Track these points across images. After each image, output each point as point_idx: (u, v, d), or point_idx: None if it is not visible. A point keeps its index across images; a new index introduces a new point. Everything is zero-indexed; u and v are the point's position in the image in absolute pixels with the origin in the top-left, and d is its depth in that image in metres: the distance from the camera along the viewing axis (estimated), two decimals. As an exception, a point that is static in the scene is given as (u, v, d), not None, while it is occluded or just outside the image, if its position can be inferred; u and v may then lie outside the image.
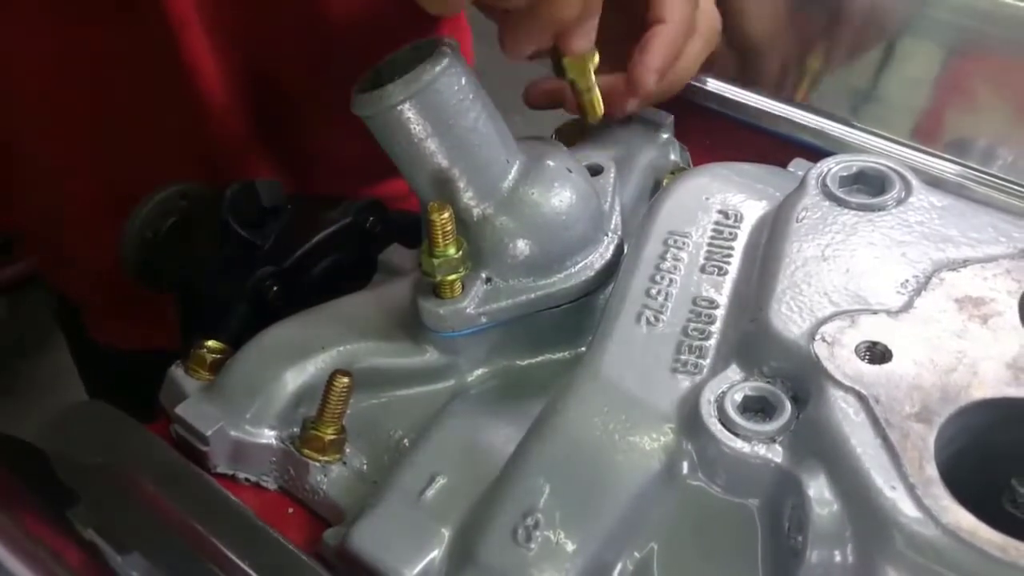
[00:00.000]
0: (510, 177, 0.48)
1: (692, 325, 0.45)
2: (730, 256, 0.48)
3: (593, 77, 0.56)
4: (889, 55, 0.71)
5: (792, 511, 0.37)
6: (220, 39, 0.69)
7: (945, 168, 0.63)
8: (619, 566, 0.40)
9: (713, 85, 0.72)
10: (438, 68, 0.45)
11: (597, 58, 0.55)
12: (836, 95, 0.71)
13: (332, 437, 0.47)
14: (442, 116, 0.46)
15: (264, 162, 0.76)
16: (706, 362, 0.43)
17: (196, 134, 0.72)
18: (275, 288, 0.58)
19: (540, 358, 0.51)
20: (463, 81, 0.46)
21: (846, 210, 0.46)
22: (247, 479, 0.49)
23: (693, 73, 0.63)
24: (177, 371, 0.52)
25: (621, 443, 0.41)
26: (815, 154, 0.57)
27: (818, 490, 0.36)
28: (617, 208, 0.53)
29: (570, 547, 0.39)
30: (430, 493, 0.43)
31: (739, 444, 0.38)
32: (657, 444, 0.40)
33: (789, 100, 0.69)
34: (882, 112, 0.69)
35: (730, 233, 0.49)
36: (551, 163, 0.49)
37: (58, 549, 0.40)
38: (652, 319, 0.45)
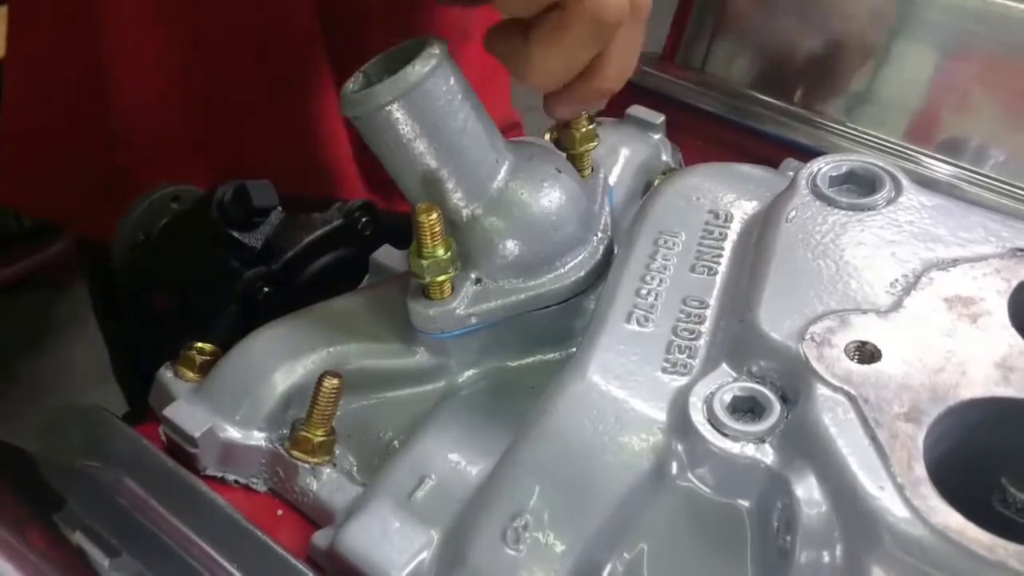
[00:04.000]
0: (499, 177, 0.48)
1: (682, 325, 0.45)
2: (720, 256, 0.48)
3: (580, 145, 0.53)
4: (884, 55, 0.71)
5: (781, 511, 0.37)
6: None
7: (937, 168, 0.63)
8: (609, 567, 0.40)
9: (705, 85, 0.72)
10: (426, 68, 0.45)
11: (595, 144, 0.53)
12: (830, 95, 0.71)
13: (322, 439, 0.47)
14: (431, 117, 0.46)
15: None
16: (695, 362, 0.43)
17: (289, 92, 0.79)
18: (265, 289, 0.58)
19: (530, 359, 0.51)
20: (452, 81, 0.46)
21: (836, 210, 0.46)
22: (236, 481, 0.48)
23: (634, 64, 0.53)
24: (166, 373, 0.51)
25: (610, 444, 0.41)
26: (806, 154, 0.57)
27: (807, 491, 0.36)
28: (607, 209, 0.53)
29: (559, 548, 0.39)
30: (420, 495, 0.43)
31: (728, 445, 0.38)
32: (646, 444, 0.40)
33: (781, 100, 0.69)
34: (876, 112, 0.69)
35: (720, 233, 0.49)
36: (540, 163, 0.49)
37: (45, 553, 0.39)
38: (642, 319, 0.45)
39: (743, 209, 0.50)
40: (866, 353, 0.39)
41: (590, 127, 0.52)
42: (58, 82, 0.82)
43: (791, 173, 0.50)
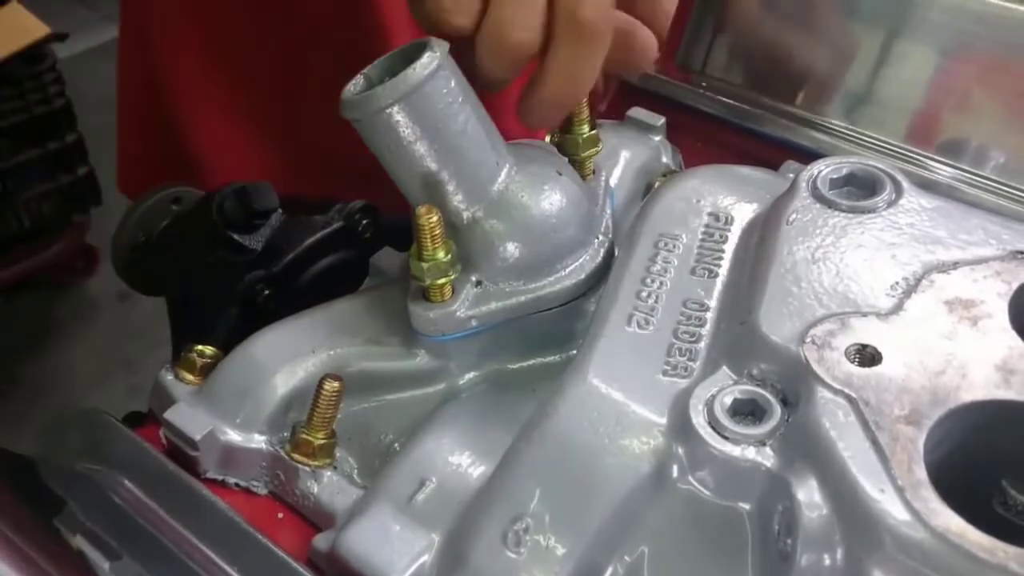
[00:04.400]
0: (500, 180, 0.48)
1: (682, 328, 0.45)
2: (720, 258, 0.48)
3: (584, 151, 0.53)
4: (884, 57, 0.71)
5: (782, 514, 0.37)
6: None
7: (937, 170, 0.63)
8: (609, 569, 0.40)
9: (705, 87, 0.72)
10: (426, 71, 0.44)
11: (598, 149, 0.53)
12: (830, 97, 0.71)
13: (322, 442, 0.47)
14: (431, 119, 0.46)
15: None
16: (696, 365, 0.43)
17: None
18: (266, 292, 0.58)
19: (531, 361, 0.51)
20: (452, 84, 0.46)
21: (836, 212, 0.46)
22: (237, 484, 0.49)
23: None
24: (167, 376, 0.51)
25: (611, 446, 0.41)
26: (807, 156, 0.57)
27: (808, 493, 0.36)
28: (608, 211, 0.53)
29: (560, 551, 0.39)
30: (420, 498, 0.43)
31: (728, 447, 0.38)
32: (647, 447, 0.40)
33: (781, 102, 0.69)
34: (876, 113, 0.68)
35: (721, 235, 0.49)
36: (541, 166, 0.49)
37: (45, 556, 0.39)
38: (642, 322, 0.45)
39: (743, 211, 0.50)
40: (866, 356, 0.39)
41: (593, 132, 0.52)
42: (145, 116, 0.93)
43: (791, 175, 0.50)
